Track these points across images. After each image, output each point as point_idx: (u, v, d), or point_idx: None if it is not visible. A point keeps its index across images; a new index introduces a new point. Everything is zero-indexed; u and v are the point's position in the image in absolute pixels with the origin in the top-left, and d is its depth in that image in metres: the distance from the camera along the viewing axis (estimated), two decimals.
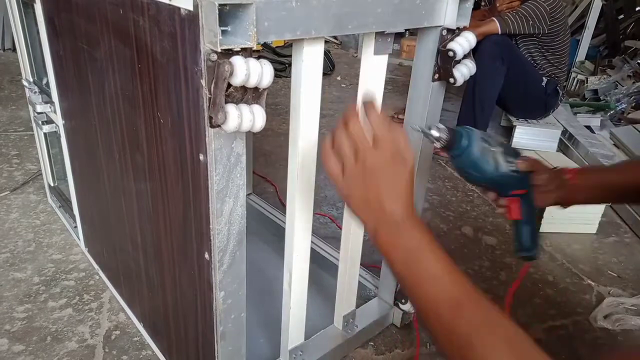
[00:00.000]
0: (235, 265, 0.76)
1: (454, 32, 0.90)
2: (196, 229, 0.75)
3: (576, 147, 2.45)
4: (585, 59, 3.56)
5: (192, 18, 0.57)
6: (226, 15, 0.55)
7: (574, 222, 1.78)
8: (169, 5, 0.61)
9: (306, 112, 0.77)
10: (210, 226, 0.71)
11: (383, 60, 0.86)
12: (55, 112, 1.27)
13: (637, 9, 4.07)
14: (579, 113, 2.90)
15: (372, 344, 1.21)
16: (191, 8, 0.56)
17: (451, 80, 0.91)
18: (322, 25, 0.69)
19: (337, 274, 1.11)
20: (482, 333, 0.49)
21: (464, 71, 0.91)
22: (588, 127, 2.74)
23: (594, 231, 1.80)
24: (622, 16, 3.95)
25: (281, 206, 1.79)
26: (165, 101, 0.70)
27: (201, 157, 0.67)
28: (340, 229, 1.69)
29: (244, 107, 0.60)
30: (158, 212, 0.86)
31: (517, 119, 2.57)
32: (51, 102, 1.28)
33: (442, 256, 0.54)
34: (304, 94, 0.75)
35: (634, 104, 2.87)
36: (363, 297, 1.27)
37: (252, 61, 0.57)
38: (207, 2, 0.55)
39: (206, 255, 0.74)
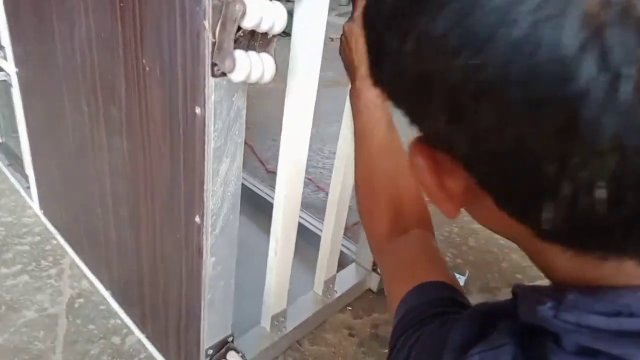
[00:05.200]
0: (228, 230, 0.71)
1: None
2: (186, 190, 0.69)
3: None
4: None
5: None
6: None
7: None
8: None
9: (308, 59, 0.72)
10: (205, 187, 0.65)
11: None
12: (5, 58, 1.13)
13: None
14: None
15: (350, 308, 1.20)
16: None
17: None
18: None
19: (314, 241, 1.09)
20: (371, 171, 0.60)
21: None
22: None
23: None
24: None
25: (263, 173, 1.74)
26: (154, 46, 0.63)
27: (197, 110, 0.60)
28: (323, 190, 1.67)
29: (253, 55, 0.54)
30: (137, 171, 0.79)
31: None
32: (0, 47, 1.13)
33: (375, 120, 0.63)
34: (307, 42, 0.69)
35: None
36: (341, 263, 1.26)
37: (267, 2, 0.51)
38: None
39: (197, 219, 0.69)
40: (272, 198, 1.53)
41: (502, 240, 1.57)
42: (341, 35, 0.76)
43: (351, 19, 0.75)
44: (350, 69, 0.71)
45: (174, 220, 0.75)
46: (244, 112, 0.63)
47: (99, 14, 0.71)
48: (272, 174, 1.79)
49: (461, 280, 1.35)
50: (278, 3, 0.53)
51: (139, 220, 0.85)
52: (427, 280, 0.45)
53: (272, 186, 1.60)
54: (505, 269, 1.45)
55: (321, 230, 1.30)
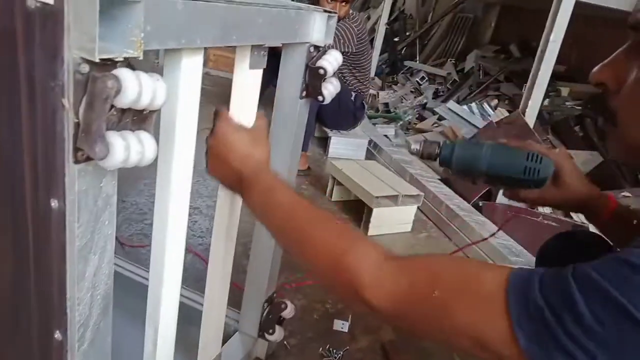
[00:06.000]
0: (100, 340, 0.58)
1: (319, 50, 0.87)
2: (40, 302, 0.55)
3: (381, 155, 2.74)
4: (375, 75, 4.03)
5: (50, 14, 0.40)
6: (101, 14, 0.41)
7: (394, 223, 1.97)
8: None
9: (182, 141, 0.64)
10: (67, 295, 0.52)
11: (258, 74, 0.78)
12: None
13: (407, 33, 4.83)
14: (377, 124, 3.26)
15: None
16: (51, 1, 0.39)
17: (320, 98, 0.88)
18: (208, 33, 0.57)
19: (190, 316, 0.97)
20: (314, 226, 0.62)
21: (331, 89, 0.90)
22: (385, 136, 3.09)
23: (410, 230, 2.02)
24: (397, 39, 4.63)
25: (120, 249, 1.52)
26: None
27: (54, 203, 0.48)
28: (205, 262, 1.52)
29: (129, 136, 0.45)
30: None
31: (331, 130, 2.74)
32: None
33: (289, 190, 0.68)
34: (180, 116, 0.62)
35: (417, 116, 3.37)
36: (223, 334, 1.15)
37: (144, 76, 0.43)
38: None
39: (57, 335, 0.55)
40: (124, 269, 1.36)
41: None
42: (206, 153, 0.72)
43: (212, 134, 0.72)
44: (232, 176, 0.71)
45: (20, 340, 0.58)
46: (115, 197, 0.53)
47: None
48: (121, 244, 1.59)
49: (345, 326, 1.35)
50: (156, 75, 0.45)
51: None
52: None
53: (120, 256, 1.41)
54: None
55: (197, 303, 1.19)
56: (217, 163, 0.72)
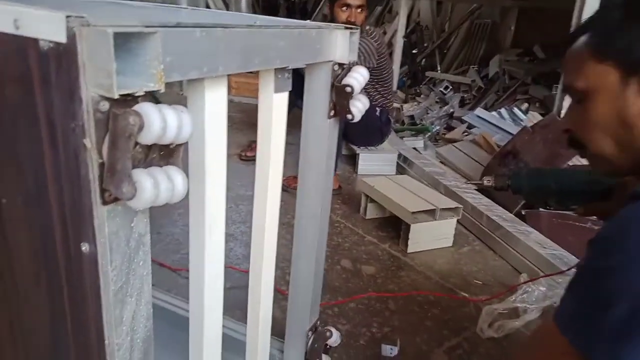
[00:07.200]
0: None
1: (343, 67, 0.85)
2: (77, 350, 0.53)
3: (411, 168, 2.68)
4: (397, 88, 4.00)
5: (64, 53, 0.39)
6: (117, 48, 0.39)
7: (434, 238, 1.90)
8: (15, 36, 0.42)
9: (213, 169, 0.62)
10: (106, 342, 0.50)
11: (284, 98, 0.76)
12: None
13: (425, 44, 4.80)
14: (405, 137, 3.21)
15: None
16: (63, 39, 0.38)
17: (349, 116, 0.86)
18: (230, 60, 0.56)
19: (232, 347, 0.93)
20: None
21: (359, 106, 0.87)
22: (414, 149, 3.04)
23: (451, 244, 1.95)
24: (415, 50, 4.59)
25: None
26: (12, 174, 0.48)
27: (84, 247, 0.46)
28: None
29: (157, 172, 0.43)
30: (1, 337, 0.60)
31: (359, 147, 2.71)
32: None
33: None
34: (209, 147, 0.60)
35: (445, 126, 3.30)
36: None
37: (167, 109, 0.41)
38: (92, 30, 0.37)
39: None
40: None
41: (420, 297, 1.56)
42: None
43: None
44: None
45: None
46: (148, 236, 0.51)
47: None
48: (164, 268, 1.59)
49: (394, 350, 1.29)
50: (180, 107, 0.43)
51: None
52: None
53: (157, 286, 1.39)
54: (430, 327, 1.43)
55: (239, 333, 1.16)
56: None
